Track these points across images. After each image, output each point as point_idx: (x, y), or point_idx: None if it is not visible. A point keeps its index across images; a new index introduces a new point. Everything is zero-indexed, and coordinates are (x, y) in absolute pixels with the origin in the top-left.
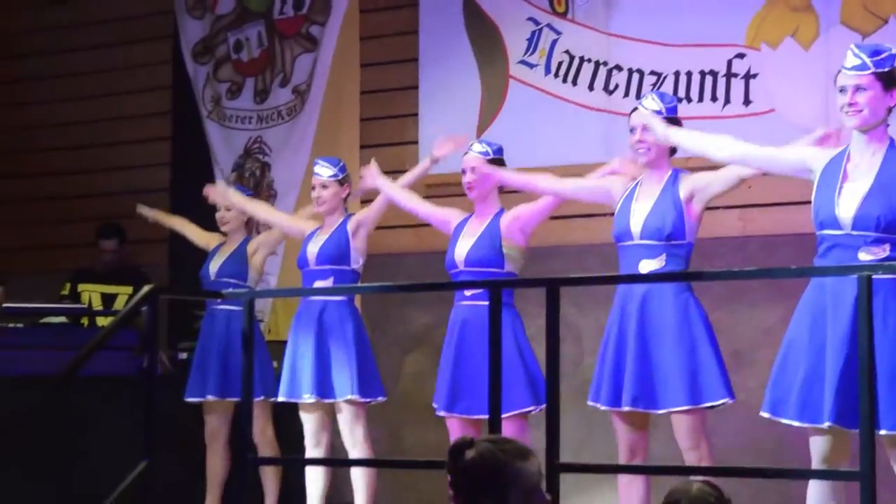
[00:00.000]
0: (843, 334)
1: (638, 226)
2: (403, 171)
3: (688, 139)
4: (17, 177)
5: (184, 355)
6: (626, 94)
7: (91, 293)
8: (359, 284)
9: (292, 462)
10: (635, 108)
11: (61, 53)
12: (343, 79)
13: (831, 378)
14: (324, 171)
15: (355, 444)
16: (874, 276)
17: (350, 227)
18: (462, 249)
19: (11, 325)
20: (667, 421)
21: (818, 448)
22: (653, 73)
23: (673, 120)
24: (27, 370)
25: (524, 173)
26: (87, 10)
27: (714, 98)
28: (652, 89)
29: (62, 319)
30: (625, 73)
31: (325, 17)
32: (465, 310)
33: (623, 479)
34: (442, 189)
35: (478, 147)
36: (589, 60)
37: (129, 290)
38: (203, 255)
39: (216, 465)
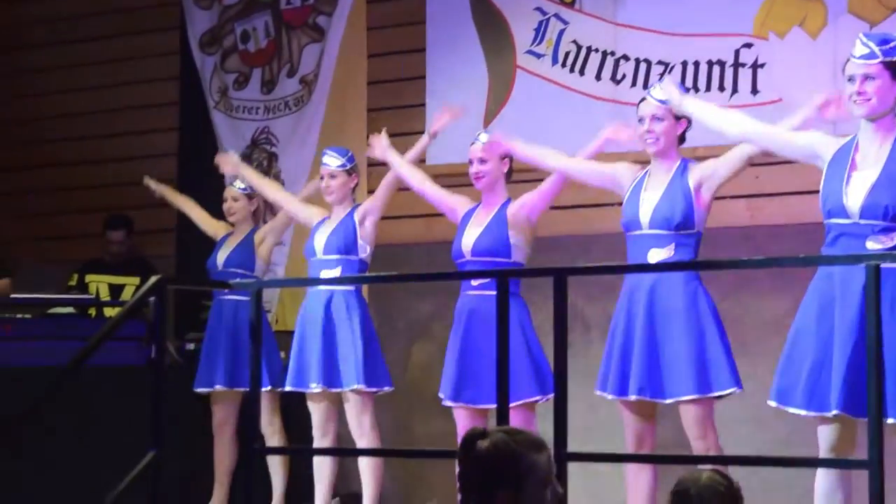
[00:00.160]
0: (850, 323)
1: (647, 215)
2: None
3: (702, 110)
4: (25, 168)
5: (191, 346)
6: (634, 83)
7: (99, 284)
8: (366, 274)
9: (300, 452)
10: (643, 99)
11: (68, 44)
12: (350, 69)
13: (838, 367)
14: (332, 161)
15: (363, 433)
16: (882, 265)
17: (357, 216)
18: (469, 239)
19: (19, 315)
20: (674, 410)
21: (826, 437)
22: (660, 62)
23: None
24: (35, 361)
25: (535, 147)
26: (94, 0)
27: (722, 88)
28: (659, 79)
29: (70, 310)
30: (632, 63)
31: (332, 7)
32: (471, 299)
33: (630, 468)
34: (449, 179)
35: (485, 137)
36: (596, 50)
37: (137, 280)
38: (210, 246)
39: (224, 455)
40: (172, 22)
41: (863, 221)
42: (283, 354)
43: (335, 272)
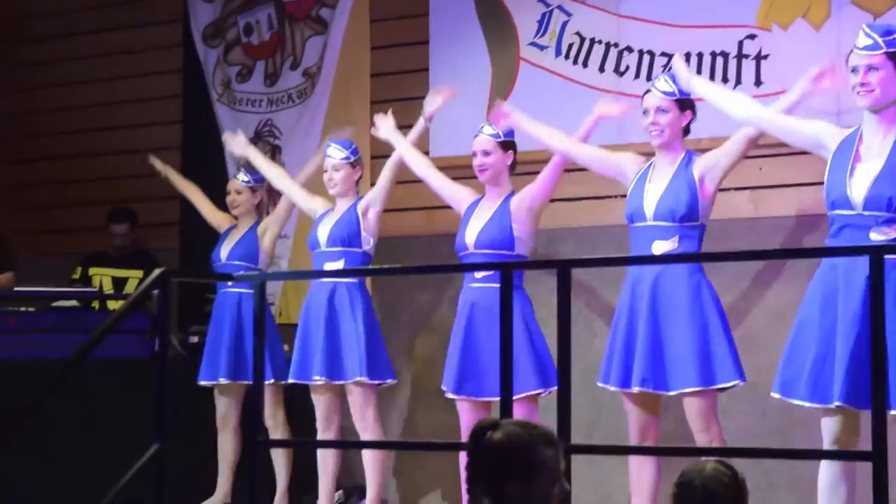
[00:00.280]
0: (853, 314)
1: (651, 206)
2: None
3: (709, 90)
4: (28, 161)
5: (195, 339)
6: (637, 75)
7: (102, 277)
8: (369, 267)
9: (303, 445)
10: (648, 91)
11: (69, 37)
12: (353, 61)
13: (841, 358)
14: (336, 153)
15: (366, 426)
16: (886, 257)
17: (360, 208)
18: (472, 231)
19: (23, 308)
20: (677, 402)
21: (829, 429)
22: (664, 54)
23: (686, 101)
24: (38, 354)
25: (541, 126)
26: None
27: (725, 79)
28: (662, 71)
29: (73, 303)
30: (635, 55)
31: None
32: (474, 292)
33: (634, 460)
34: (452, 172)
35: (488, 129)
36: (600, 42)
37: (140, 273)
38: (214, 239)
39: (228, 448)
40: (175, 14)
41: (866, 213)
42: (286, 347)
43: (338, 264)
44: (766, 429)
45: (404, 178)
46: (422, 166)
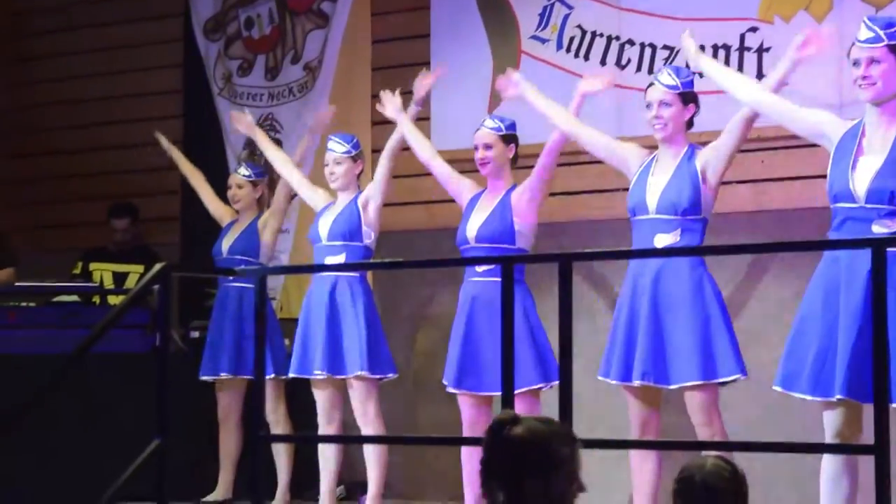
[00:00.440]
0: (855, 307)
1: (654, 199)
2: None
3: (715, 69)
4: (28, 156)
5: (196, 333)
6: (639, 68)
7: (103, 272)
8: (370, 261)
9: (305, 440)
10: (651, 84)
11: (70, 31)
12: (354, 55)
13: (843, 351)
14: (337, 147)
15: (367, 420)
16: (888, 249)
17: (360, 202)
18: (474, 225)
19: (24, 304)
20: (679, 397)
21: (831, 422)
22: (665, 47)
23: (689, 95)
24: (39, 349)
25: (549, 101)
26: None
27: None
28: (664, 64)
29: (74, 298)
30: (637, 48)
31: None
32: (475, 286)
33: (636, 454)
34: (454, 165)
35: (490, 123)
36: (601, 35)
37: (141, 268)
38: (215, 233)
39: (229, 443)
40: (176, 9)
41: (869, 205)
42: (287, 342)
43: (339, 258)
44: (768, 422)
45: (406, 173)
46: (426, 150)
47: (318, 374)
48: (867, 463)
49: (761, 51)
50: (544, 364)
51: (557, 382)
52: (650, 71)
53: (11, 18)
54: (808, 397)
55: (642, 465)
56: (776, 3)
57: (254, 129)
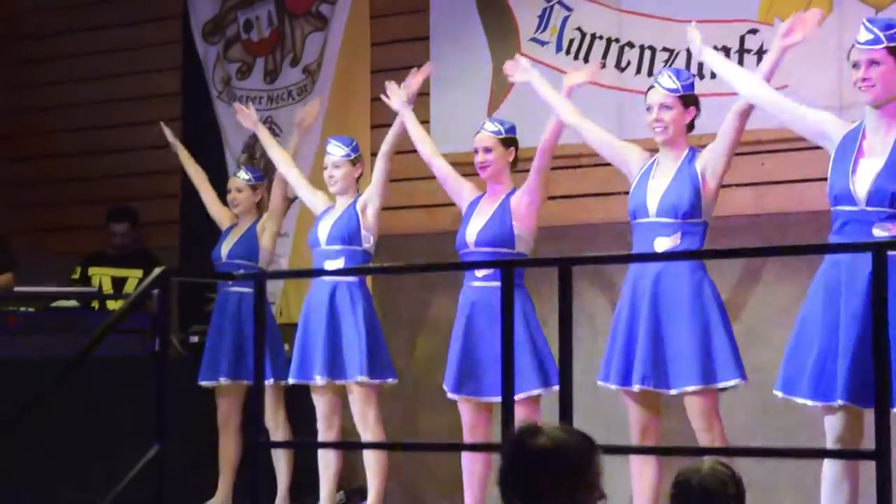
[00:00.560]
0: (856, 311)
1: (654, 202)
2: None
3: (719, 62)
4: (27, 159)
5: (195, 338)
6: (638, 71)
7: (102, 277)
8: (370, 265)
9: (304, 445)
10: (651, 87)
11: (69, 34)
12: (353, 58)
13: (844, 356)
14: (336, 150)
15: (367, 426)
16: (889, 253)
17: (359, 206)
18: (473, 229)
19: (22, 309)
20: (679, 401)
21: (832, 427)
22: (665, 49)
23: (690, 97)
24: (38, 354)
25: (555, 93)
26: None
27: None
28: (664, 66)
29: (73, 303)
30: (636, 50)
31: None
32: (475, 291)
33: (635, 459)
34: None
35: (490, 126)
36: (600, 37)
37: (140, 273)
38: (215, 237)
39: (229, 448)
40: (174, 11)
41: (869, 208)
42: (287, 348)
43: (338, 262)
44: (769, 427)
45: (405, 176)
46: (428, 148)
47: (318, 380)
48: (868, 468)
49: (761, 53)
50: (544, 369)
51: (557, 387)
52: (650, 73)
53: (11, 21)
54: (809, 402)
55: (642, 470)
56: (776, 4)
57: (258, 126)
